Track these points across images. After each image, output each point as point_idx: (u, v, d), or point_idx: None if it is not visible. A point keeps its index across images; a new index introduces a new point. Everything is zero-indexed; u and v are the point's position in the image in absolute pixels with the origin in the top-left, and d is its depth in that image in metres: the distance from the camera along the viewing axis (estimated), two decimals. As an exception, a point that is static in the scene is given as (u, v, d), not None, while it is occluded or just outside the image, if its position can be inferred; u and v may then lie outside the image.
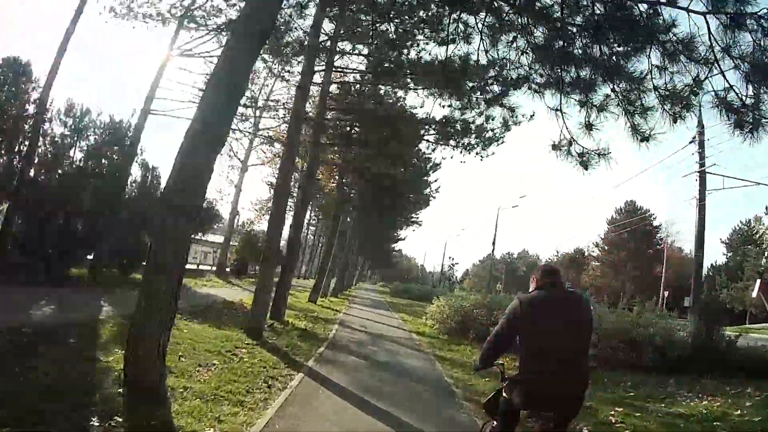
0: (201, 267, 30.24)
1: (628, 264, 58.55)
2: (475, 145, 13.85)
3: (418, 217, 37.10)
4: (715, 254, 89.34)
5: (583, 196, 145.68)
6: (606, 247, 64.43)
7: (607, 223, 64.62)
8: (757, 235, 57.32)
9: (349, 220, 34.57)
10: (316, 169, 14.75)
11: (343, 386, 6.99)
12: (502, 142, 13.98)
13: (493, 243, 49.05)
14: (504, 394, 3.37)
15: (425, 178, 25.38)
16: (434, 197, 30.55)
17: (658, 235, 61.01)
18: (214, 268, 29.73)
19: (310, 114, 15.80)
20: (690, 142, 15.74)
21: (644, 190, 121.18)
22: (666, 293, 48.94)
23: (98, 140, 13.82)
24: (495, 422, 3.61)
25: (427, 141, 15.44)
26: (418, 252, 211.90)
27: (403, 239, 52.25)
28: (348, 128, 19.88)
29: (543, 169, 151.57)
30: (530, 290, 3.42)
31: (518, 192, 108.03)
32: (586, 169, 6.92)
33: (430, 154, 18.33)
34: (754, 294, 33.25)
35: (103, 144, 13.90)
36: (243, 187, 29.34)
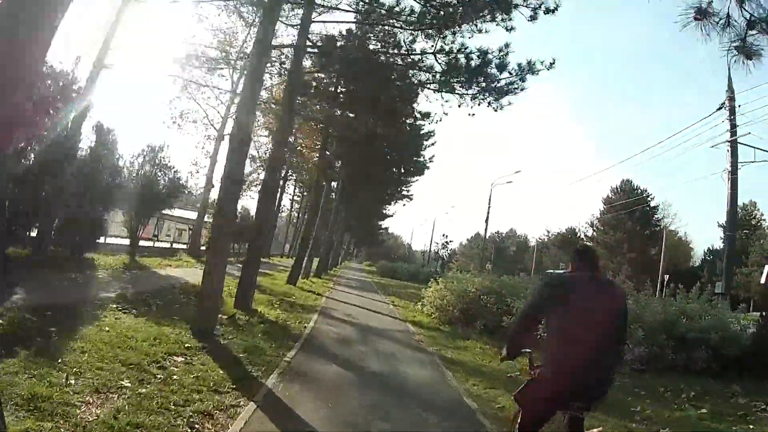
0: (176, 245, 27.71)
1: (624, 245, 56.68)
2: (487, 94, 11.24)
3: (409, 190, 34.43)
4: (712, 239, 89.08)
5: (576, 175, 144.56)
6: (601, 228, 62.55)
7: (602, 202, 62.64)
8: (755, 220, 56.25)
9: (333, 195, 31.88)
10: (288, 133, 12.02)
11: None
12: (519, 91, 11.45)
13: (486, 221, 46.87)
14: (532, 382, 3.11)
15: (422, 141, 22.86)
16: (428, 167, 28.56)
17: (656, 216, 59.14)
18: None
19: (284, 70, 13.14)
20: (718, 109, 14.47)
21: (643, 170, 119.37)
22: (666, 277, 47.36)
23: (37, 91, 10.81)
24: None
25: (427, 88, 12.67)
26: (405, 230, 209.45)
27: (392, 215, 49.75)
28: (333, 87, 17.25)
29: (535, 148, 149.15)
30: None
31: (510, 170, 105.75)
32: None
33: (423, 122, 15.69)
34: (763, 280, 31.69)
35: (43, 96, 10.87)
36: (219, 157, 26.93)
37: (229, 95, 24.95)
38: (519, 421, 3.25)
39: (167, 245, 26.56)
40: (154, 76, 25.16)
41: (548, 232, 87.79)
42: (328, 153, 21.19)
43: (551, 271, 63.15)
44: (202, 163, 27.35)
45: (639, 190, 58.53)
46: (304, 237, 22.94)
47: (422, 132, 21.94)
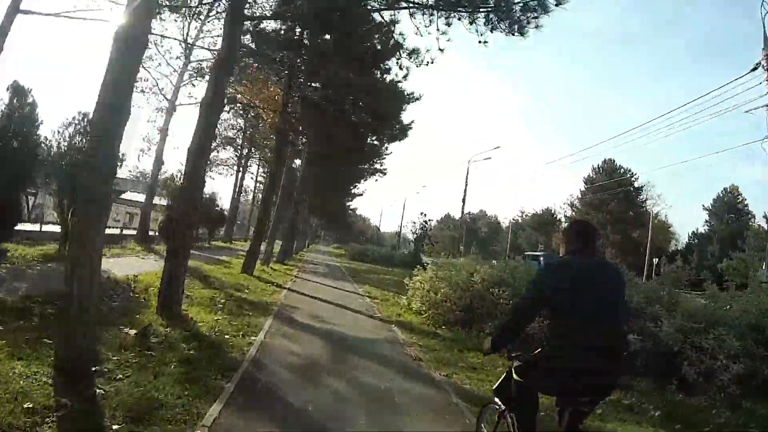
0: (127, 231, 23.80)
1: (608, 227, 54.95)
2: (504, 15, 8.13)
3: (383, 164, 30.96)
4: (697, 221, 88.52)
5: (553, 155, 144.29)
6: (580, 208, 60.78)
7: (584, 182, 60.75)
8: (740, 205, 55.64)
9: (298, 174, 28.42)
10: (224, 83, 8.52)
11: None
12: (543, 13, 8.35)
13: (464, 200, 44.26)
14: (516, 376, 2.92)
15: (404, 98, 19.59)
16: (411, 127, 24.66)
17: (640, 197, 57.55)
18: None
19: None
20: (752, 69, 13.44)
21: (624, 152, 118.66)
22: (656, 260, 45.70)
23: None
24: (500, 406, 3.16)
25: (417, 8, 9.26)
26: (373, 213, 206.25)
27: (362, 194, 46.31)
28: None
29: (512, 127, 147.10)
30: (561, 254, 3.07)
31: (486, 147, 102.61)
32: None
33: (410, 63, 12.36)
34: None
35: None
36: (172, 130, 23.61)
37: (182, 61, 22.23)
38: (515, 418, 2.96)
39: (116, 231, 22.67)
40: (89, 30, 21.51)
41: (522, 212, 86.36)
42: (291, 111, 17.63)
43: (530, 253, 61.40)
44: (154, 138, 24.03)
45: (622, 170, 56.88)
46: (260, 218, 19.45)
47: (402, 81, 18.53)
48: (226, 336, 6.92)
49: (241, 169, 40.19)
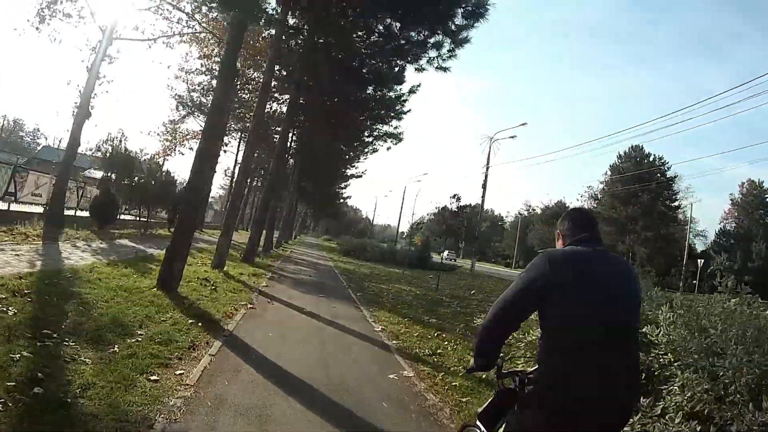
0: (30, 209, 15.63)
1: (639, 222, 47.92)
2: None
3: (400, 115, 23.34)
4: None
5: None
6: (600, 198, 53.74)
7: (609, 170, 53.37)
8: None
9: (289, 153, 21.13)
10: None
11: None
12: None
13: (484, 186, 37.07)
14: (515, 410, 2.16)
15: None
16: (416, 91, 20.95)
17: (672, 188, 50.26)
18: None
19: None
20: None
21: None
22: (700, 262, 38.17)
23: None
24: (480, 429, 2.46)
25: None
26: (362, 204, 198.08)
27: (360, 176, 39.29)
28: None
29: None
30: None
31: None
32: None
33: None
34: None
35: None
36: (105, 72, 17.20)
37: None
38: None
39: (36, 208, 15.90)
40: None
41: (528, 206, 79.48)
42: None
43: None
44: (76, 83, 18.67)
45: (653, 158, 49.44)
46: (232, 200, 15.00)
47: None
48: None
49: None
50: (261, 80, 17.74)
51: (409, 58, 17.32)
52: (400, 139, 24.48)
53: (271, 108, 26.62)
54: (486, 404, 2.50)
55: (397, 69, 18.97)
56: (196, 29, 19.28)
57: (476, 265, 38.44)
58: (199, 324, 6.50)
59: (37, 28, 15.48)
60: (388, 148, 25.93)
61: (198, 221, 30.06)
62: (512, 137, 36.95)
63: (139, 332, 5.47)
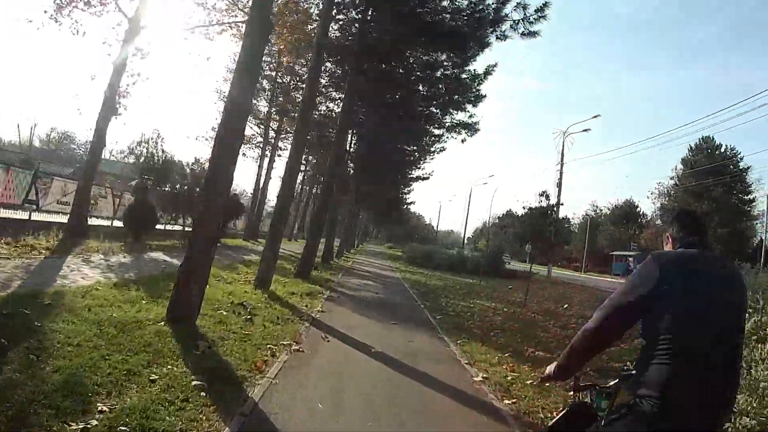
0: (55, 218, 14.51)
1: (715, 218, 44.29)
2: None
3: (476, 99, 20.45)
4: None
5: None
6: (671, 194, 49.99)
7: (682, 163, 50.07)
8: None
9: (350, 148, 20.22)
10: None
11: None
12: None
13: (559, 184, 34.92)
14: (601, 425, 2.03)
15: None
16: (491, 72, 19.04)
17: (746, 181, 46.58)
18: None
19: None
20: None
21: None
22: None
23: None
24: None
25: None
26: (423, 210, 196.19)
27: (426, 178, 37.28)
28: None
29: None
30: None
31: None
32: None
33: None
34: None
35: None
36: (138, 70, 15.74)
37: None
38: None
39: (62, 218, 14.67)
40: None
41: (595, 207, 75.28)
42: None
43: (617, 253, 50.19)
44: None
45: (724, 149, 46.05)
46: (279, 203, 12.88)
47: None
48: None
49: (269, 147, 31.90)
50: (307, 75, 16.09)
51: (492, 16, 15.04)
52: (477, 130, 21.38)
53: (326, 107, 25.92)
54: (557, 418, 2.31)
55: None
56: (237, 19, 17.42)
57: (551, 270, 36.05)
58: (210, 385, 4.26)
59: (56, 20, 14.26)
60: (463, 140, 22.02)
61: (252, 229, 29.45)
62: (586, 130, 34.90)
63: (99, 408, 3.42)
